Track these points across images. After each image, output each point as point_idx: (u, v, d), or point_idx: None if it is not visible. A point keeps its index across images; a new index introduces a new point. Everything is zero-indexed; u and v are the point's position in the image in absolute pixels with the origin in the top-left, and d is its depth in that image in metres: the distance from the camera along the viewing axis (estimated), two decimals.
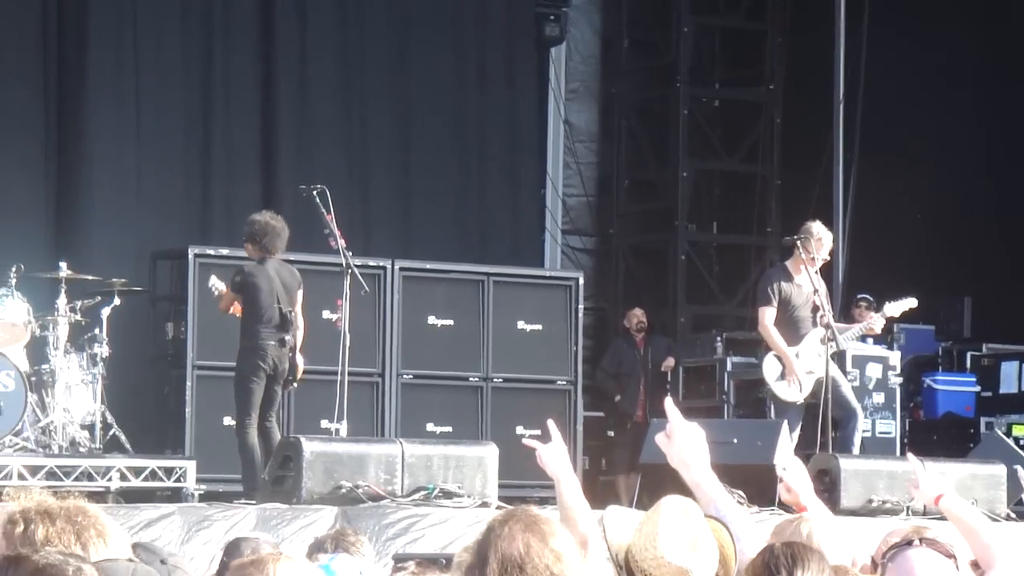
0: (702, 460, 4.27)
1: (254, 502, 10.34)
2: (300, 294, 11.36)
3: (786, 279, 12.09)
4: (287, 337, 11.11)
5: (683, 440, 4.28)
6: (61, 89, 14.45)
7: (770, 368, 12.06)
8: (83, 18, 14.52)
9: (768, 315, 12.04)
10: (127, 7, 14.65)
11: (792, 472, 5.22)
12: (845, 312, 14.95)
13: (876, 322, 12.74)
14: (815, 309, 12.02)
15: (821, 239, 11.98)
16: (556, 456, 4.67)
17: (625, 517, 4.09)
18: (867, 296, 14.68)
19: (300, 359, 11.24)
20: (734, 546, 4.01)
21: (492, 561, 3.69)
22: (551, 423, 4.87)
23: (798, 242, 11.96)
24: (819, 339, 11.98)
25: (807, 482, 5.21)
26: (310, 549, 5.59)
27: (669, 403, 4.42)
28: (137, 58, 14.66)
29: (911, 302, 12.61)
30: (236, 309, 11.26)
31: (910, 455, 5.28)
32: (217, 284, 11.44)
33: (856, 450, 11.97)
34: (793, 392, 12.00)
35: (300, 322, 11.32)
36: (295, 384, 11.34)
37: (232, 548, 5.77)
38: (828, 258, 12.12)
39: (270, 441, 11.04)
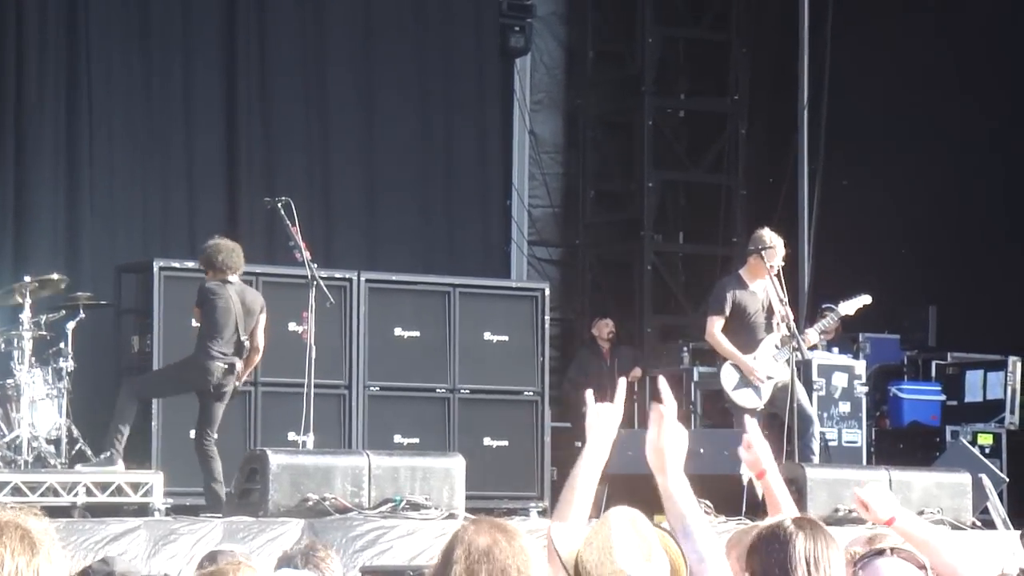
0: (678, 467, 4.24)
1: (219, 514, 10.31)
2: (263, 318, 11.30)
3: (740, 287, 12.13)
4: (238, 364, 11.09)
5: (668, 440, 4.22)
6: (18, 104, 14.40)
7: (727, 377, 12.07)
8: (42, 32, 14.50)
9: (716, 324, 12.06)
10: (81, 20, 14.61)
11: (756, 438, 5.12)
12: (810, 321, 14.98)
13: (829, 322, 12.77)
14: (770, 315, 12.04)
15: (774, 246, 12.01)
16: (605, 420, 4.44)
17: (568, 530, 4.11)
18: (832, 306, 14.71)
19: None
20: (682, 555, 4.03)
21: (458, 549, 3.74)
22: (623, 381, 4.59)
23: (761, 252, 11.98)
24: (775, 344, 12.01)
25: (767, 449, 5.12)
26: (279, 563, 5.57)
27: (663, 382, 4.27)
28: (90, 71, 14.63)
29: (865, 299, 12.62)
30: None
31: (856, 490, 5.19)
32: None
33: (816, 458, 11.98)
34: (752, 399, 12.01)
35: (260, 344, 11.29)
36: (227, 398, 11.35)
37: (208, 561, 5.76)
38: (783, 263, 12.13)
39: (208, 460, 11.00)
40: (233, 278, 11.11)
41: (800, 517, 4.10)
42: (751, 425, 5.00)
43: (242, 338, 11.08)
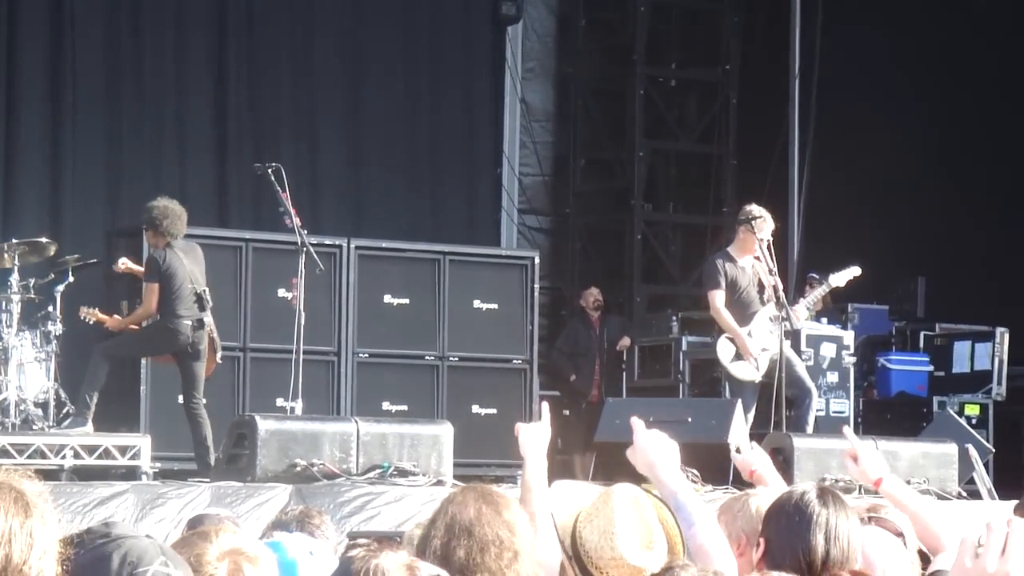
0: (669, 462, 4.19)
1: (207, 480, 10.33)
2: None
3: (729, 261, 12.16)
4: (207, 317, 11.17)
5: (648, 447, 4.20)
6: (8, 68, 14.38)
7: (724, 350, 12.10)
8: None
9: (718, 298, 12.09)
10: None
11: (750, 455, 5.22)
12: (799, 291, 15.01)
13: (820, 293, 12.81)
14: (762, 289, 12.08)
15: (762, 217, 12.04)
16: (535, 437, 4.64)
17: (570, 494, 4.10)
18: (816, 275, 14.73)
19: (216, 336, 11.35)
20: (679, 529, 4.02)
21: (440, 524, 3.70)
22: (545, 406, 4.85)
23: (750, 225, 12.00)
24: (769, 317, 12.04)
25: (766, 462, 5.21)
26: (272, 526, 5.56)
27: (635, 422, 4.29)
28: (75, 39, 14.61)
29: (855, 270, 12.66)
30: (133, 326, 11.39)
31: (846, 429, 5.20)
32: (89, 312, 11.51)
33: (810, 429, 12.02)
34: (750, 371, 12.04)
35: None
36: (219, 360, 11.41)
37: (195, 524, 5.76)
38: (771, 238, 12.17)
39: (197, 424, 11.09)
40: (175, 241, 11.21)
41: (822, 487, 4.07)
42: (739, 451, 5.09)
43: (200, 292, 11.17)
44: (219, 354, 11.42)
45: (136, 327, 11.43)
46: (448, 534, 3.69)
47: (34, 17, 14.52)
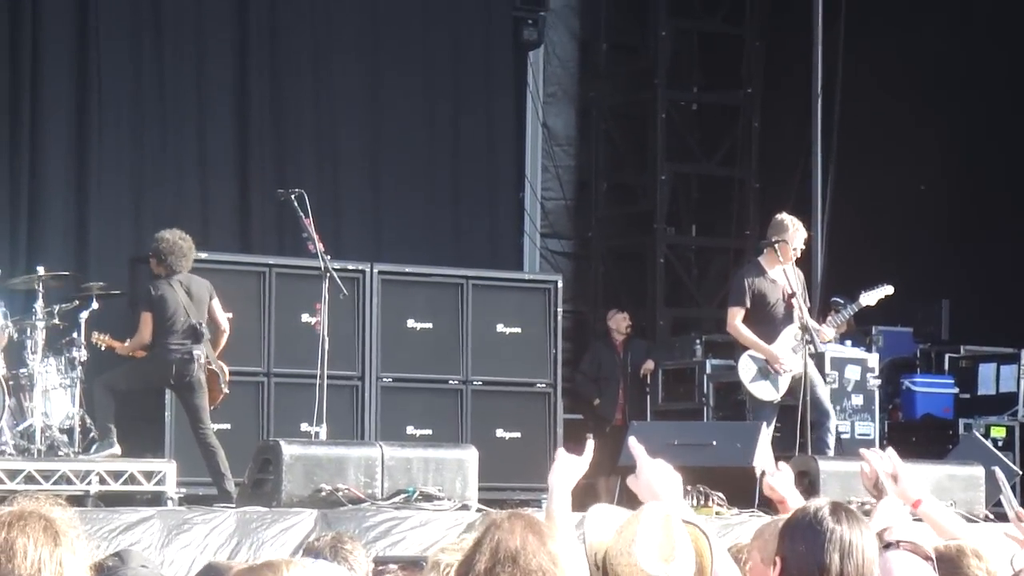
0: (672, 493, 4.15)
1: (233, 505, 10.32)
2: (215, 303, 11.42)
3: (759, 275, 12.09)
4: (197, 351, 11.15)
5: (651, 476, 4.16)
6: (33, 95, 14.43)
7: (745, 369, 12.04)
8: (54, 25, 14.53)
9: (736, 316, 12.03)
10: (92, 12, 14.64)
11: (776, 474, 5.23)
12: (821, 315, 14.98)
13: (849, 312, 12.76)
14: (790, 307, 11.99)
15: (797, 229, 11.99)
16: (567, 471, 4.58)
17: (607, 517, 4.08)
18: (839, 300, 14.69)
19: (222, 365, 11.31)
20: (711, 554, 4.00)
21: (486, 548, 3.69)
22: (590, 444, 4.70)
23: (775, 245, 11.96)
24: (794, 335, 11.96)
25: (791, 483, 5.22)
26: (304, 552, 5.55)
27: (633, 442, 4.26)
28: (100, 64, 14.66)
29: (887, 289, 12.54)
30: (137, 353, 11.42)
31: (890, 450, 5.19)
32: (100, 338, 11.55)
33: (831, 452, 11.97)
34: (769, 391, 11.99)
35: (224, 326, 11.41)
36: (226, 391, 11.39)
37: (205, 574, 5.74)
38: (804, 246, 12.13)
39: (210, 452, 11.10)
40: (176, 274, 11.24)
41: (835, 502, 4.04)
42: (767, 474, 5.09)
43: (195, 324, 11.16)
44: (224, 383, 11.36)
45: (142, 353, 11.43)
46: (493, 559, 3.67)
47: (58, 43, 14.57)
